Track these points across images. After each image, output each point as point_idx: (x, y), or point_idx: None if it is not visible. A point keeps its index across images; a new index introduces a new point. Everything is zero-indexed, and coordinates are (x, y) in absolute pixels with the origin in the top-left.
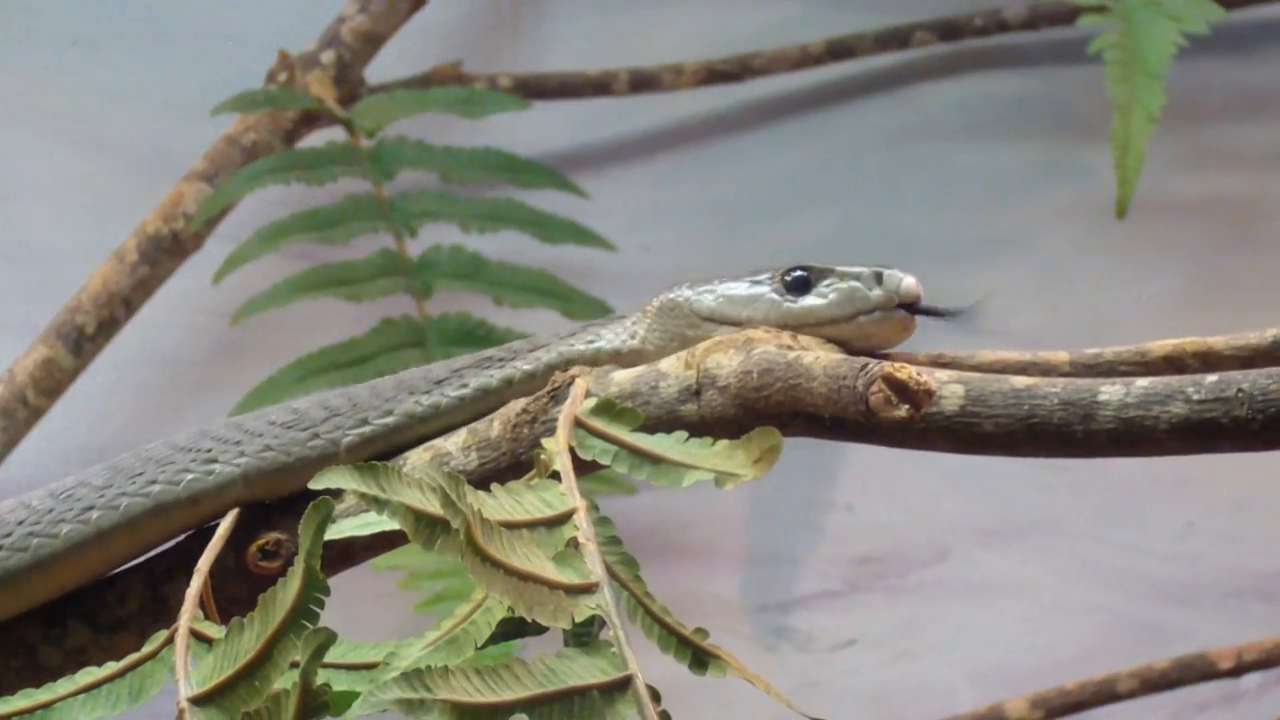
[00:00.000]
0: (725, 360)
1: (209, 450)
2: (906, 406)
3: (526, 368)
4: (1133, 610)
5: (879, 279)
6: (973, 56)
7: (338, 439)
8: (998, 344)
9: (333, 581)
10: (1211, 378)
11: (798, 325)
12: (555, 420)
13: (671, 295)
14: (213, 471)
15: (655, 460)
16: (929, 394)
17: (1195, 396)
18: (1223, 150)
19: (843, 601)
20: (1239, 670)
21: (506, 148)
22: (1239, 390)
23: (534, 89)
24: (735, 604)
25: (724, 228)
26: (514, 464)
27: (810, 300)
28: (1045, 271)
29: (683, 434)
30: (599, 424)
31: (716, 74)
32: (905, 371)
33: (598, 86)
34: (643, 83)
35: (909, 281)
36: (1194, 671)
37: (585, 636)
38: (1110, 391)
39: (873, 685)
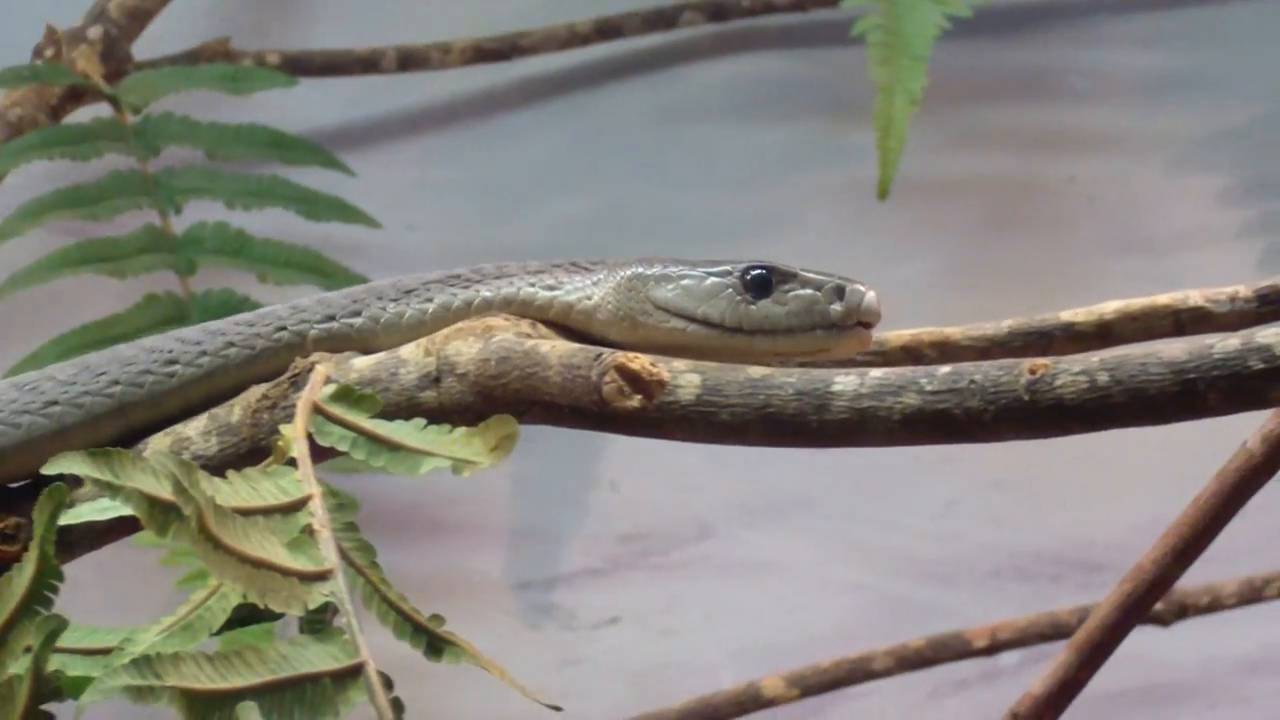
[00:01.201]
0: (465, 348)
1: (170, 351)
2: (639, 396)
3: (487, 294)
4: (893, 588)
5: (840, 294)
6: (740, 37)
7: (304, 331)
8: None
9: (97, 557)
10: (945, 369)
11: (753, 329)
12: (295, 406)
13: (634, 272)
14: (174, 374)
15: (393, 447)
16: (661, 384)
17: (928, 388)
18: (986, 132)
19: (606, 579)
20: (993, 649)
21: (273, 125)
22: (971, 381)
23: (301, 66)
24: (499, 581)
25: (490, 207)
26: (254, 450)
27: (768, 305)
28: (808, 251)
29: (421, 421)
30: (338, 410)
31: (484, 53)
32: (638, 362)
33: (365, 64)
34: (411, 61)
35: (870, 298)
36: (949, 650)
37: (319, 624)
38: (845, 381)
39: (635, 662)
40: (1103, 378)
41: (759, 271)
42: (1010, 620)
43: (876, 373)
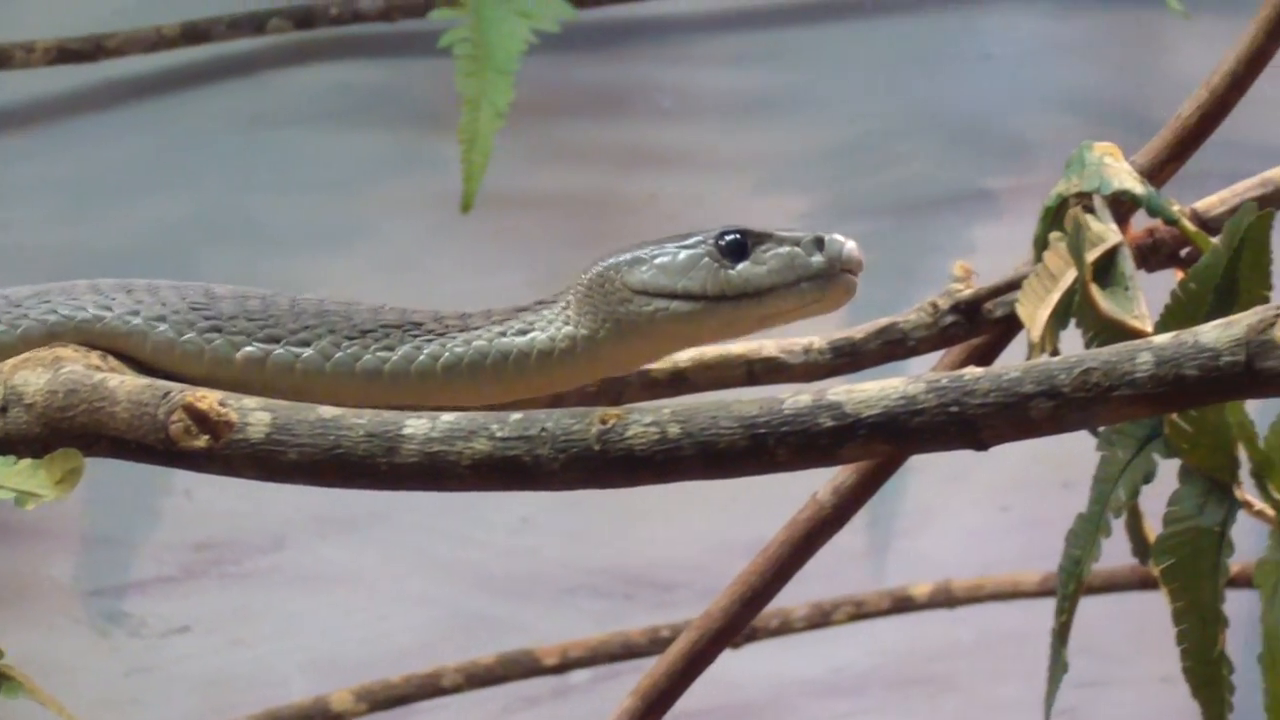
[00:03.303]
0: (33, 378)
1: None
2: (207, 436)
3: (459, 350)
4: (468, 604)
5: (820, 244)
6: (328, 45)
7: (240, 344)
8: None
9: None
10: (517, 415)
11: (737, 294)
12: None
13: (600, 269)
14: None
15: None
16: (229, 425)
17: (499, 434)
18: (572, 147)
19: (178, 587)
20: (564, 667)
21: None
22: (543, 429)
23: None
24: (69, 587)
25: (76, 207)
26: None
27: (748, 267)
28: (393, 260)
29: None
30: None
31: (69, 53)
32: (206, 401)
33: None
34: None
35: (850, 246)
36: (520, 667)
37: None
38: (416, 425)
39: (205, 671)
40: (674, 429)
41: (733, 236)
42: (582, 639)
43: (448, 417)
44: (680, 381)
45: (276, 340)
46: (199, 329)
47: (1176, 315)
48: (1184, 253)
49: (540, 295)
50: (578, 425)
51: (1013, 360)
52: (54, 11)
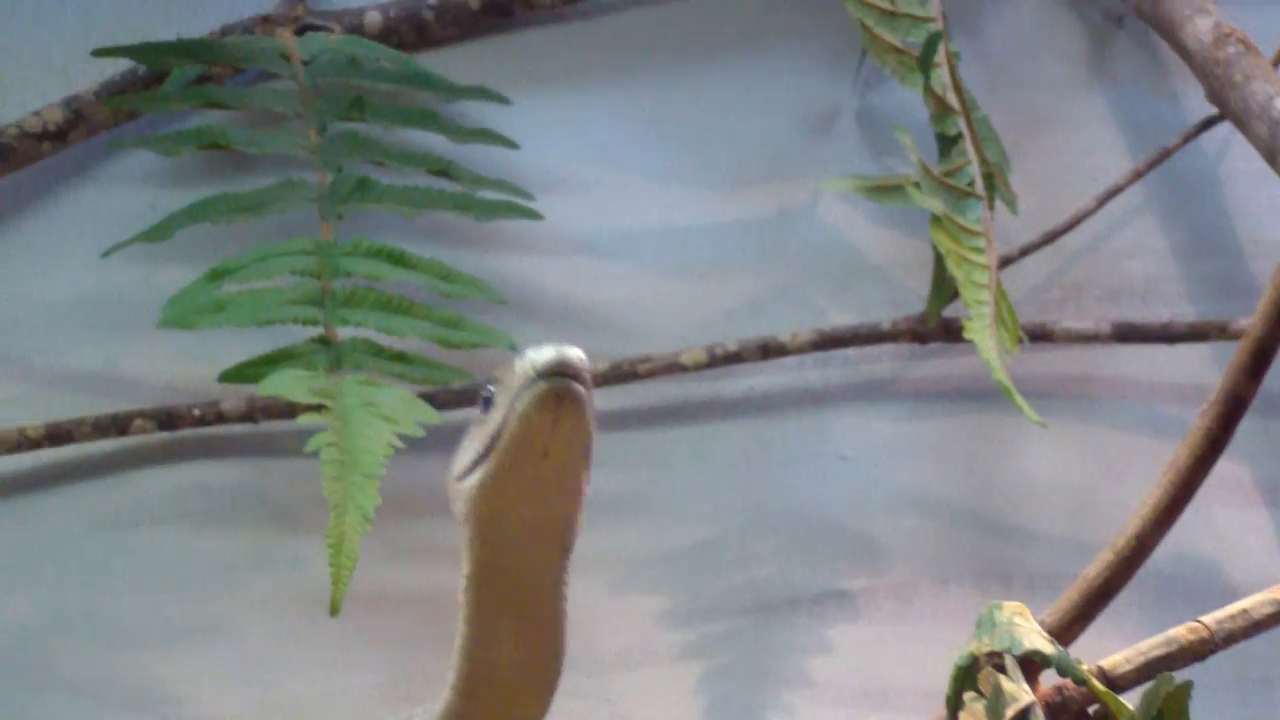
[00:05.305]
0: None
1: None
2: None
3: None
4: None
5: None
6: (191, 445)
7: None
8: None
9: None
10: None
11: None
12: None
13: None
14: None
15: None
16: None
17: None
18: (432, 545)
19: None
20: None
21: None
22: None
23: None
24: None
25: None
26: None
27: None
28: (253, 660)
29: None
30: None
31: None
32: None
33: None
34: None
35: (543, 355)
36: None
37: None
38: None
39: None
40: None
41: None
42: None
43: None
44: None
45: None
46: None
47: None
48: (1092, 710)
49: (398, 695)
50: None
51: None
52: None
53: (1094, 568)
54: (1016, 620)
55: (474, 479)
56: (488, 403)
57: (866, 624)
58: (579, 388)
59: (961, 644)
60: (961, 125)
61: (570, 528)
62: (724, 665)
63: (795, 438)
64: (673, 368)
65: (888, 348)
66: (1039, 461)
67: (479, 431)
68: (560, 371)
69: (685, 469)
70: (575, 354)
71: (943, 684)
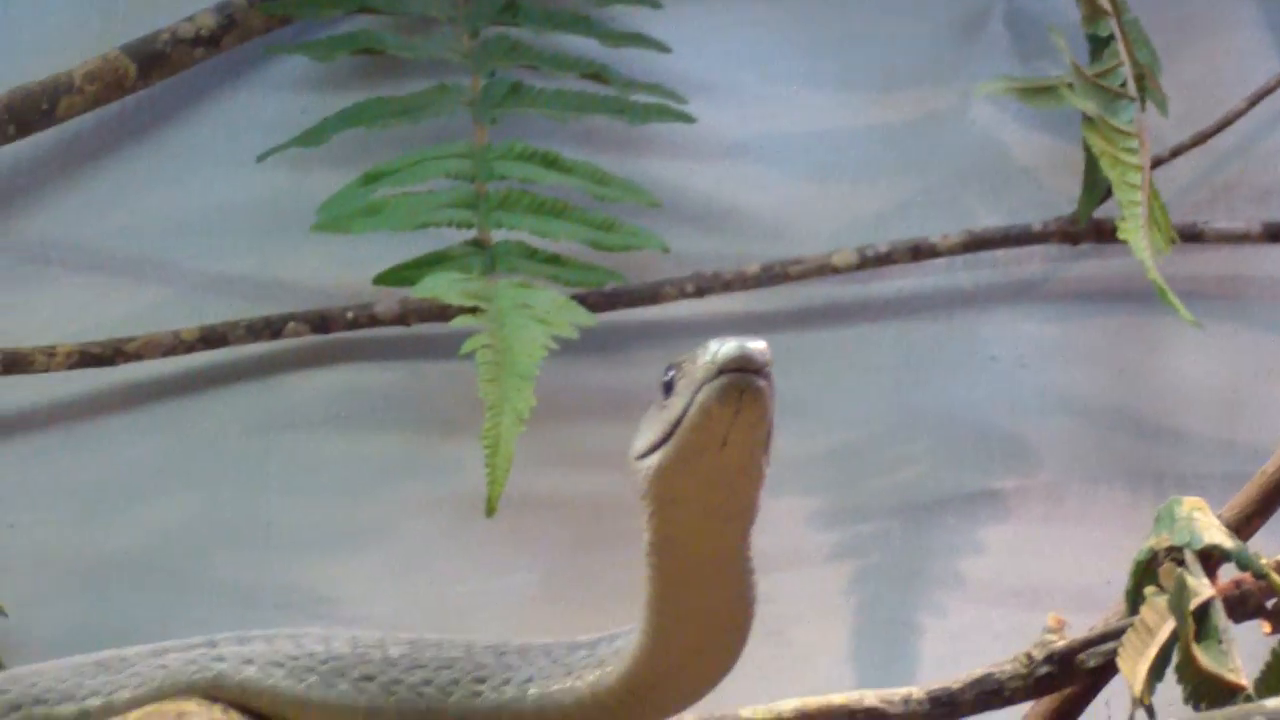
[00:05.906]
0: None
1: None
2: None
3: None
4: None
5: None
6: (343, 348)
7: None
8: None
9: None
10: None
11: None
12: None
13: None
14: None
15: None
16: None
17: None
18: (586, 449)
19: None
20: None
21: None
22: None
23: None
24: None
25: (89, 509)
26: None
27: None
28: (405, 562)
29: None
30: None
31: (89, 357)
32: None
33: None
34: (15, 363)
35: (726, 348)
36: None
37: None
38: None
39: None
40: None
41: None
42: None
43: None
44: None
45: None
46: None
47: (1277, 674)
48: (1271, 604)
49: (550, 596)
50: None
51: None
52: (74, 316)
53: (1273, 463)
54: (1196, 515)
55: (652, 461)
56: (669, 388)
57: (1017, 524)
58: (760, 381)
59: (1113, 543)
60: (1113, 26)
61: (749, 509)
62: (874, 565)
63: (945, 339)
64: (824, 269)
65: (1037, 249)
66: (1189, 362)
67: (659, 415)
68: (742, 366)
69: (836, 371)
70: (758, 347)
71: (1094, 583)
